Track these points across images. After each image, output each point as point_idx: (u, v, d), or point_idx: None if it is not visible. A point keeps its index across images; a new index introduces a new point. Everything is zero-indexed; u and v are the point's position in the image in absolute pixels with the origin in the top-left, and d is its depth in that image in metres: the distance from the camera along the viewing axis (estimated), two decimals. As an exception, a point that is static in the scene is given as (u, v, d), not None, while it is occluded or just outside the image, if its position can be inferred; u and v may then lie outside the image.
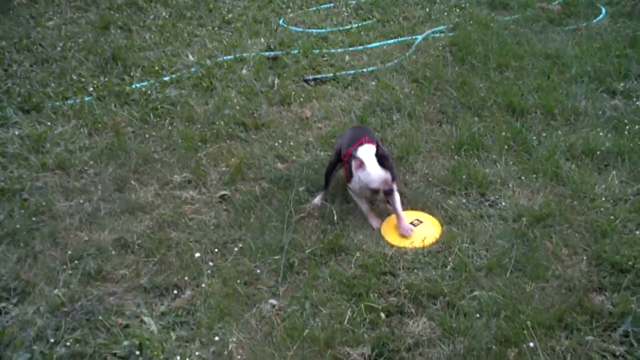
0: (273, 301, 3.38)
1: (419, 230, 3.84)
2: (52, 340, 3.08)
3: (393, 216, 3.99)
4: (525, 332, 2.99)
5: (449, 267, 3.51)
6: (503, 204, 4.06)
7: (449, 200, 4.09)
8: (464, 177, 4.27)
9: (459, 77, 5.86)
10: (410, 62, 6.34)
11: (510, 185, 4.24)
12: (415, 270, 3.50)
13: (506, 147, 4.67)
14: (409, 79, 5.96)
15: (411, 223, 3.89)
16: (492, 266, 3.47)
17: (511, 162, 4.49)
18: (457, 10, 8.07)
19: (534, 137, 4.78)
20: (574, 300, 3.19)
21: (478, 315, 3.13)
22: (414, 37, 7.06)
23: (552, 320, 3.06)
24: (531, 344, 2.92)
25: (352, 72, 6.16)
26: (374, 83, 5.91)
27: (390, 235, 3.84)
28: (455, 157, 4.59)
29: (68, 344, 3.05)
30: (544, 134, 4.81)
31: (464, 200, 4.11)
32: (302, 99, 5.69)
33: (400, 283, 3.39)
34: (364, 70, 6.19)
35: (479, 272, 3.45)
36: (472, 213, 3.97)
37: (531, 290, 3.29)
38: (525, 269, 3.45)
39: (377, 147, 3.77)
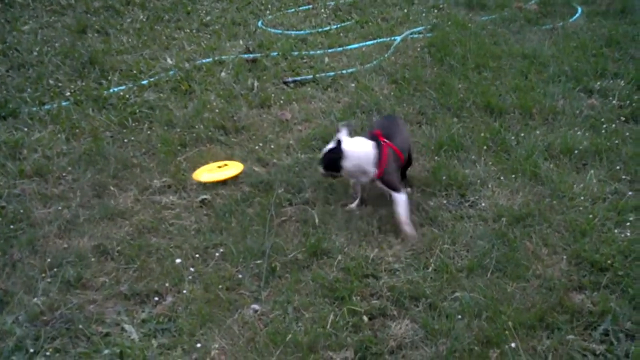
0: (255, 306, 3.36)
1: (226, 171, 4.55)
2: (31, 350, 3.03)
3: (208, 165, 4.67)
4: (506, 332, 3.00)
5: (430, 268, 3.52)
6: (483, 204, 4.08)
7: (429, 202, 4.11)
8: (444, 178, 4.29)
9: (438, 78, 5.89)
10: (389, 63, 6.36)
11: (490, 186, 4.27)
12: (397, 272, 3.50)
13: (485, 147, 4.70)
14: (388, 80, 5.98)
15: (218, 167, 4.60)
16: (473, 267, 3.49)
17: (490, 163, 4.52)
18: (435, 11, 8.12)
19: (513, 137, 4.82)
20: (554, 299, 3.22)
21: (460, 316, 3.15)
22: (392, 38, 7.08)
23: (533, 320, 3.08)
24: (513, 345, 2.94)
25: (332, 73, 6.17)
26: (353, 85, 5.92)
27: (201, 176, 4.51)
28: (435, 158, 4.61)
29: (48, 353, 3.01)
30: (522, 134, 4.85)
31: (444, 202, 4.13)
32: (282, 102, 5.68)
33: (382, 285, 3.40)
34: (344, 71, 6.20)
35: (460, 273, 3.47)
36: (452, 214, 3.99)
37: (512, 291, 3.31)
38: (506, 269, 3.47)
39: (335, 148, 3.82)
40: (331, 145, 3.88)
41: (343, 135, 3.86)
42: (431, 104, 5.44)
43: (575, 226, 3.78)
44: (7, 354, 3.03)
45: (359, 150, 3.86)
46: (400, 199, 3.84)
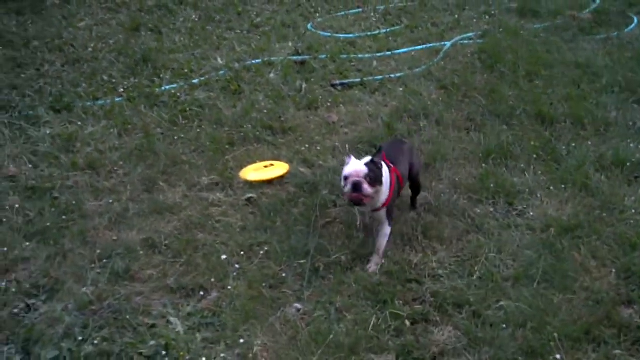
0: (298, 305, 3.39)
1: (272, 170, 4.61)
2: (80, 338, 3.12)
3: (255, 165, 4.73)
4: (552, 344, 2.96)
5: (475, 276, 3.49)
6: (531, 213, 4.02)
7: (476, 209, 4.07)
8: (491, 185, 4.25)
9: (488, 85, 5.83)
10: (438, 68, 6.33)
11: (539, 195, 4.20)
12: (441, 279, 3.48)
13: (535, 156, 4.64)
14: (436, 86, 5.94)
15: (264, 167, 4.66)
16: (519, 276, 3.45)
17: (540, 172, 4.46)
18: (487, 17, 8.04)
19: (564, 147, 4.74)
20: (602, 313, 3.15)
21: (504, 325, 3.11)
22: (442, 43, 7.04)
23: (580, 332, 3.03)
24: (558, 356, 2.90)
25: (380, 77, 6.17)
26: (401, 89, 5.91)
27: (247, 174, 4.58)
28: (483, 165, 4.56)
29: (95, 342, 3.09)
30: (573, 144, 4.76)
31: (491, 209, 4.08)
32: (329, 104, 5.71)
33: (426, 291, 3.38)
34: (392, 76, 6.20)
35: (506, 282, 3.42)
36: (499, 222, 3.95)
37: (559, 302, 3.26)
38: (553, 280, 3.42)
39: (374, 159, 3.57)
40: (364, 160, 3.61)
41: (352, 158, 3.63)
42: (480, 110, 5.38)
43: (626, 239, 3.70)
44: (56, 340, 3.12)
45: (384, 170, 3.65)
46: (388, 232, 3.69)
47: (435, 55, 6.71)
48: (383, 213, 3.67)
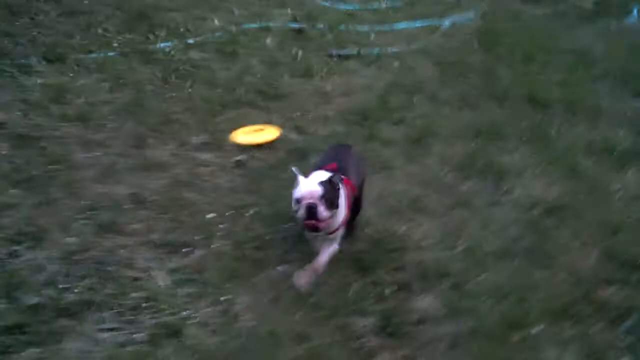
0: (281, 267, 3.40)
1: (262, 134, 4.57)
2: (61, 287, 3.12)
3: (245, 128, 4.62)
4: (531, 317, 3.00)
5: (458, 249, 3.52)
6: (517, 193, 4.05)
7: (463, 185, 4.10)
8: (480, 163, 4.27)
9: (484, 65, 5.84)
10: (435, 45, 6.32)
11: (526, 175, 4.24)
12: (425, 250, 3.51)
13: (525, 138, 4.66)
14: (433, 63, 5.94)
15: (255, 130, 4.59)
16: (502, 252, 3.48)
17: (529, 153, 4.48)
18: (487, -2, 8.01)
19: (554, 131, 4.76)
20: (581, 291, 3.20)
21: (484, 298, 3.15)
22: (441, 21, 7.01)
23: (558, 309, 3.07)
24: (535, 330, 2.94)
25: (377, 50, 6.14)
26: (397, 64, 5.89)
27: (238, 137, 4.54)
28: (474, 143, 4.58)
29: (77, 290, 3.10)
30: (563, 128, 4.79)
31: (479, 186, 4.10)
32: (324, 73, 5.68)
33: (409, 260, 3.41)
34: (389, 50, 6.17)
35: (488, 257, 3.46)
36: (486, 199, 3.97)
37: (539, 279, 3.30)
38: (535, 257, 3.45)
39: (332, 177, 3.08)
40: (318, 177, 3.10)
41: (300, 175, 3.12)
42: (474, 90, 5.39)
43: (609, 223, 3.74)
44: (38, 287, 3.12)
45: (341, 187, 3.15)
46: (337, 250, 3.23)
47: (433, 32, 6.69)
48: (339, 233, 3.22)
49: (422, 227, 3.71)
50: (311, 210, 2.99)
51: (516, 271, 3.34)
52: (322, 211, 2.99)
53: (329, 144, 3.89)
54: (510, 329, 2.95)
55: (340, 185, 3.14)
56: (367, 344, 2.88)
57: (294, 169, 3.12)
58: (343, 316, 3.03)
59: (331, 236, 3.18)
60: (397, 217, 3.79)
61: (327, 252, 3.18)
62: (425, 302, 3.13)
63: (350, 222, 3.40)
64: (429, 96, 5.24)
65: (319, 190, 2.99)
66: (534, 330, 2.95)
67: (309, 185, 3.03)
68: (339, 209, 3.11)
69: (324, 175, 3.10)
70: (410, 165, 4.31)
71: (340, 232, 3.21)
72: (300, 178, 3.08)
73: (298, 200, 3.04)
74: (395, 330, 2.95)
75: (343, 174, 3.22)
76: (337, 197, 3.06)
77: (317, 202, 2.98)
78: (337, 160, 3.33)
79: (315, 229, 3.04)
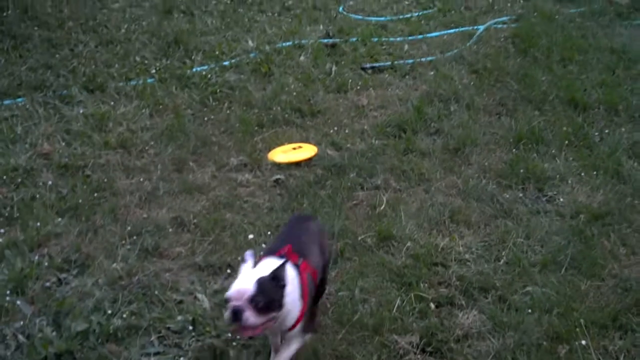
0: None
1: (300, 153, 4.61)
2: (109, 312, 3.18)
3: (283, 147, 4.70)
4: (577, 330, 2.94)
5: (502, 261, 3.47)
6: (561, 200, 3.98)
7: (505, 194, 4.04)
8: (521, 171, 4.21)
9: (521, 70, 5.76)
10: (470, 52, 6.27)
11: (569, 182, 4.15)
12: (468, 263, 3.47)
13: (567, 142, 4.58)
14: (468, 70, 5.89)
15: (293, 149, 4.65)
16: (547, 262, 3.42)
17: (571, 158, 4.40)
18: (521, 1, 7.90)
19: (596, 134, 4.67)
20: (630, 300, 3.12)
21: (530, 310, 3.09)
22: (475, 27, 6.96)
23: (606, 319, 3.00)
24: (583, 342, 2.87)
25: (411, 61, 6.12)
26: (432, 73, 5.86)
27: (275, 156, 4.59)
28: (514, 150, 4.52)
29: (124, 316, 3.15)
30: (606, 131, 4.70)
31: (520, 195, 4.05)
32: (359, 87, 5.69)
33: (452, 275, 3.38)
34: (423, 59, 6.15)
35: (533, 268, 3.40)
36: (528, 208, 3.91)
37: (586, 289, 3.23)
38: (581, 266, 3.38)
39: (276, 271, 2.53)
40: (256, 272, 2.56)
41: (249, 265, 2.60)
42: (512, 95, 5.33)
43: (658, 228, 3.64)
44: (86, 313, 3.19)
45: (291, 277, 2.61)
46: (299, 346, 2.76)
47: (467, 39, 6.64)
48: (298, 329, 2.70)
49: (464, 239, 3.67)
50: (236, 314, 2.45)
51: (562, 281, 3.27)
52: (249, 317, 2.44)
53: (291, 217, 3.49)
54: (557, 342, 2.89)
55: (289, 275, 2.58)
56: (412, 362, 2.86)
57: (247, 253, 2.58)
58: (386, 334, 3.00)
59: (290, 333, 2.68)
60: (438, 229, 3.77)
61: (286, 352, 2.69)
62: (469, 317, 3.09)
63: (310, 308, 2.84)
64: (466, 104, 5.20)
65: (249, 290, 2.43)
66: (581, 343, 2.87)
67: (242, 282, 2.48)
68: (292, 304, 2.58)
69: (273, 264, 2.58)
70: (449, 176, 4.28)
71: (300, 327, 2.68)
72: (244, 268, 2.56)
73: (226, 300, 2.51)
74: (440, 347, 2.92)
75: (302, 256, 2.74)
76: (278, 297, 2.49)
77: (245, 305, 2.43)
78: (295, 239, 2.86)
79: (243, 335, 2.51)
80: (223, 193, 4.22)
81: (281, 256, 2.67)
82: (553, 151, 4.49)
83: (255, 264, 2.63)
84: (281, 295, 2.51)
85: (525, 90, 5.36)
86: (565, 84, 5.40)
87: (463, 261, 3.49)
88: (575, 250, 3.50)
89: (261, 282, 2.46)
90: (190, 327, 3.09)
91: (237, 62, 6.21)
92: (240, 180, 4.38)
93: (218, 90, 5.61)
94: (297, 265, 2.68)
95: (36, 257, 3.58)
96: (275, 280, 2.50)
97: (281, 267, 2.51)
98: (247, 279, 2.48)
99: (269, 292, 2.46)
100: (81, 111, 5.20)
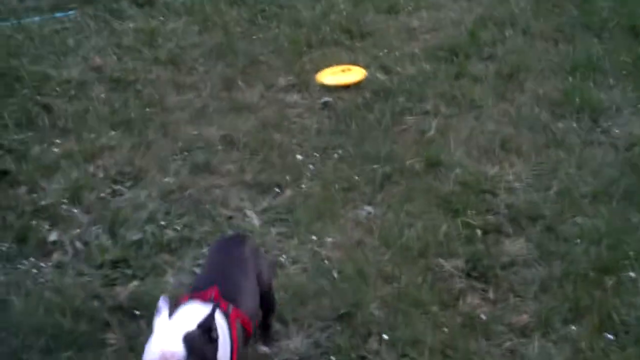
0: (369, 208, 3.44)
1: (349, 75, 4.56)
2: (162, 223, 3.29)
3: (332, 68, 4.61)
4: (626, 261, 2.91)
5: (552, 191, 3.42)
6: (616, 131, 3.88)
7: (558, 123, 3.95)
8: (576, 100, 4.09)
9: (581, -6, 5.51)
10: (529, -26, 5.99)
11: (625, 113, 4.03)
12: (517, 191, 3.44)
13: (625, 72, 4.42)
14: (525, -7, 5.66)
15: (342, 71, 4.61)
16: (598, 194, 3.36)
17: (629, 89, 4.25)
18: None
19: (657, 64, 4.48)
20: (681, 235, 3.07)
21: (578, 241, 3.07)
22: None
23: (657, 252, 2.97)
24: (632, 274, 2.85)
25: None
26: (488, -5, 5.65)
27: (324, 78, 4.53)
28: (569, 78, 4.38)
29: (177, 228, 3.26)
30: (669, 61, 4.50)
31: (574, 125, 3.95)
32: (410, 8, 5.54)
33: (500, 203, 3.36)
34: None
35: (584, 199, 3.35)
36: (581, 139, 3.82)
37: (636, 221, 3.17)
38: (633, 199, 3.31)
39: (203, 325, 1.95)
40: (178, 324, 1.97)
41: (164, 316, 1.98)
42: (570, 21, 5.12)
43: None
44: (140, 224, 3.30)
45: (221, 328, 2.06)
46: None
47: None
48: None
49: (514, 167, 3.63)
50: None
51: (613, 214, 3.23)
52: None
53: (215, 241, 2.84)
54: (604, 273, 2.87)
55: (219, 326, 2.02)
56: (457, 285, 2.89)
57: (161, 301, 2.01)
58: (431, 257, 3.04)
59: None
60: (488, 157, 3.72)
61: None
62: (516, 245, 3.09)
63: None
64: (522, 29, 5.02)
65: (178, 354, 1.87)
66: (630, 275, 2.87)
67: (165, 341, 1.90)
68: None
69: (197, 311, 2.05)
70: (501, 103, 4.19)
71: None
72: (160, 321, 1.97)
73: None
74: (485, 273, 2.93)
75: (232, 300, 2.22)
76: (211, 356, 1.98)
77: None
78: (223, 277, 2.31)
79: None
80: (271, 113, 4.23)
81: (208, 301, 2.14)
82: (610, 81, 4.34)
83: (175, 308, 2.11)
84: (214, 353, 1.99)
85: (584, 17, 5.14)
86: (627, 11, 5.15)
87: (512, 190, 3.46)
88: (628, 182, 3.42)
89: (190, 340, 1.91)
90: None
91: (286, -20, 6.07)
92: (288, 101, 4.38)
93: (267, 9, 5.53)
94: (226, 314, 2.16)
95: (91, 168, 3.70)
96: (206, 334, 1.96)
97: (210, 317, 1.97)
98: (170, 337, 1.91)
99: (201, 351, 1.92)
100: (131, 25, 5.22)
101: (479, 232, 3.18)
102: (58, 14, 5.38)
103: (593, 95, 4.16)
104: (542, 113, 4.05)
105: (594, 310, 2.68)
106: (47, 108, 4.20)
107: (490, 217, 3.28)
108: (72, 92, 4.36)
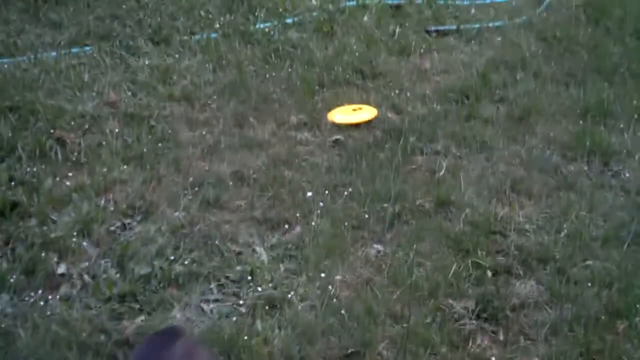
0: (378, 246, 3.43)
1: (360, 114, 4.60)
2: (171, 258, 3.29)
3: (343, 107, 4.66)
4: (638, 306, 2.89)
5: (562, 233, 3.41)
6: (627, 175, 3.88)
7: (569, 166, 3.96)
8: (587, 143, 4.10)
9: (591, 40, 5.56)
10: (540, 19, 6.07)
11: (637, 157, 4.04)
12: (527, 234, 3.43)
13: (636, 116, 4.43)
14: (537, 38, 5.71)
15: (353, 110, 4.64)
16: (609, 237, 3.35)
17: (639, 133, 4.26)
18: (596, -32, 7.58)
19: (668, 109, 4.50)
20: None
21: (589, 284, 3.05)
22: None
23: (669, 297, 2.93)
24: (644, 319, 2.82)
25: (477, 26, 5.98)
26: (499, 39, 5.71)
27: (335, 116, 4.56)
28: (580, 122, 4.40)
29: (186, 262, 3.25)
30: (679, 107, 4.51)
31: (585, 168, 3.95)
32: (422, 50, 5.60)
33: (510, 244, 3.34)
34: (490, 25, 6.00)
35: (595, 242, 3.34)
36: (592, 182, 3.83)
37: (649, 266, 3.16)
38: (645, 243, 3.30)
39: None
40: None
41: None
42: (581, 66, 5.16)
43: None
44: (149, 258, 3.29)
45: None
46: None
47: (537, 5, 6.43)
48: None
49: (524, 209, 3.62)
50: None
51: (624, 257, 3.21)
52: None
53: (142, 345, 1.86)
54: (616, 317, 2.84)
55: None
56: (466, 326, 2.87)
57: None
58: (441, 298, 3.02)
59: None
60: (499, 198, 3.72)
61: None
62: (527, 287, 3.06)
63: None
64: (533, 72, 5.07)
65: None
66: (642, 319, 2.83)
67: None
68: None
69: None
70: (512, 145, 4.20)
71: None
72: None
73: None
74: (496, 314, 2.91)
75: None
76: None
77: None
78: None
79: None
80: (282, 150, 4.25)
81: None
82: (621, 125, 4.36)
83: None
84: None
85: (595, 61, 5.19)
86: (638, 57, 5.20)
87: (522, 231, 3.45)
88: (639, 226, 3.41)
89: None
90: (249, 278, 3.17)
91: (299, 20, 6.18)
92: (299, 139, 4.40)
93: (280, 48, 5.60)
94: None
95: (102, 202, 3.70)
96: None
97: None
98: None
99: None
100: (146, 62, 5.28)
101: (489, 273, 3.17)
102: (74, 49, 5.47)
103: (604, 139, 4.17)
104: (553, 156, 4.06)
105: (605, 355, 2.65)
106: (60, 141, 4.23)
107: (501, 258, 3.26)
108: (86, 126, 4.40)
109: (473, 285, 3.10)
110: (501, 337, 2.81)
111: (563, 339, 2.78)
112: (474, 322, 2.89)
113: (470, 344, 2.79)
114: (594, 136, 4.19)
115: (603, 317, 2.85)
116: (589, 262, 3.20)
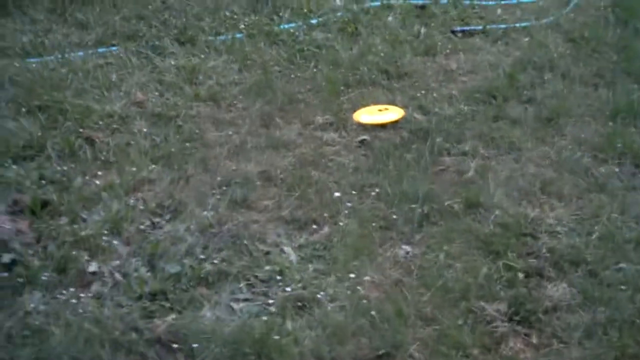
0: (407, 247, 3.41)
1: (386, 114, 4.59)
2: (201, 257, 3.29)
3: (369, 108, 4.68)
4: (673, 308, 2.84)
5: (594, 235, 3.36)
6: (659, 177, 3.82)
7: (600, 168, 3.91)
8: (618, 145, 4.06)
9: (620, 41, 5.51)
10: (567, 20, 6.03)
11: (669, 159, 3.98)
12: (558, 235, 3.39)
13: (667, 118, 4.38)
14: (564, 38, 5.66)
15: (379, 110, 4.64)
16: (642, 240, 3.30)
17: (672, 135, 4.20)
18: (623, -32, 7.50)
19: (700, 110, 4.43)
20: None
21: (623, 287, 3.01)
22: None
23: None
24: (680, 324, 2.78)
25: (504, 26, 5.95)
26: (526, 39, 5.68)
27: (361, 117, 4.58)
28: (610, 123, 4.35)
29: (215, 262, 3.26)
30: None
31: (616, 170, 3.90)
32: (448, 51, 5.58)
33: (542, 246, 3.31)
34: (517, 25, 5.96)
35: (627, 244, 3.29)
36: (624, 183, 3.78)
37: (683, 268, 3.11)
38: (679, 246, 3.25)
39: None
40: None
41: None
42: (610, 67, 5.11)
43: None
44: (179, 257, 3.31)
45: None
46: None
47: (564, 5, 6.39)
48: None
49: (555, 211, 3.58)
50: None
51: (658, 260, 3.16)
52: None
53: None
54: (651, 321, 2.80)
55: None
56: (498, 329, 2.84)
57: None
58: (472, 300, 2.99)
59: None
60: (529, 200, 3.69)
61: None
62: (559, 290, 3.03)
63: None
64: (562, 73, 5.02)
65: None
66: (679, 323, 2.79)
67: None
68: None
69: None
70: (541, 146, 4.17)
71: None
72: None
73: None
74: (528, 317, 2.88)
75: None
76: None
77: None
78: None
79: None
80: (309, 150, 4.26)
81: None
82: (653, 126, 4.31)
83: None
84: None
85: (624, 62, 5.14)
86: (669, 57, 5.14)
87: (554, 233, 3.41)
88: (673, 229, 3.37)
89: None
90: (278, 277, 3.17)
91: (324, 20, 6.18)
92: (325, 139, 4.40)
93: (305, 49, 5.61)
94: None
95: (131, 201, 3.73)
96: None
97: None
98: None
99: None
100: (173, 62, 5.32)
101: (520, 275, 3.13)
102: (101, 49, 5.52)
103: (635, 141, 4.12)
104: (583, 157, 4.02)
105: (641, 359, 2.61)
106: (89, 141, 4.28)
107: (532, 261, 3.23)
108: (115, 125, 4.44)
109: (505, 287, 3.06)
110: (534, 340, 2.78)
111: (597, 342, 2.74)
112: (506, 324, 2.85)
113: (502, 346, 2.75)
114: (624, 138, 4.14)
115: (638, 321, 2.81)
116: (622, 265, 3.16)
